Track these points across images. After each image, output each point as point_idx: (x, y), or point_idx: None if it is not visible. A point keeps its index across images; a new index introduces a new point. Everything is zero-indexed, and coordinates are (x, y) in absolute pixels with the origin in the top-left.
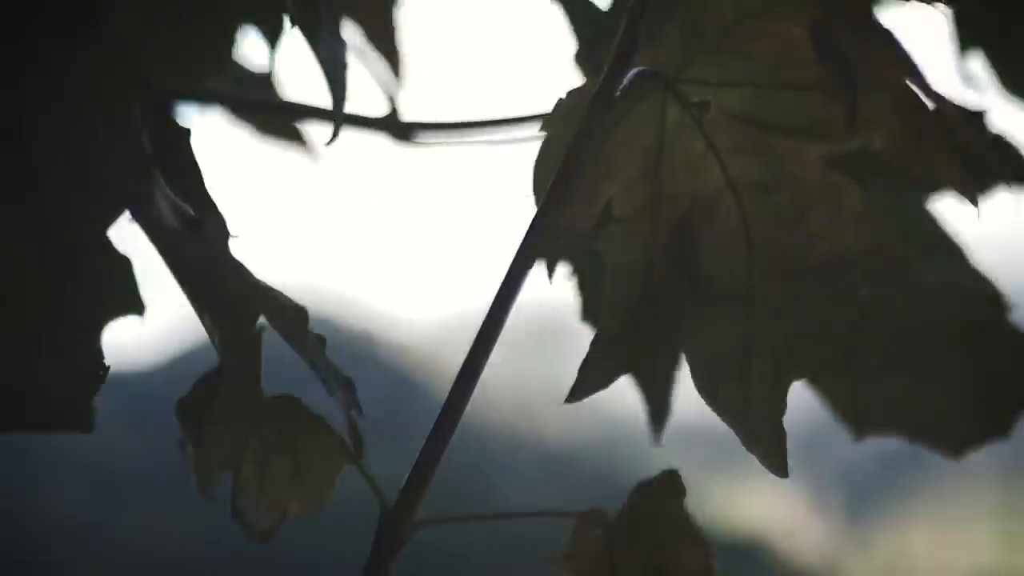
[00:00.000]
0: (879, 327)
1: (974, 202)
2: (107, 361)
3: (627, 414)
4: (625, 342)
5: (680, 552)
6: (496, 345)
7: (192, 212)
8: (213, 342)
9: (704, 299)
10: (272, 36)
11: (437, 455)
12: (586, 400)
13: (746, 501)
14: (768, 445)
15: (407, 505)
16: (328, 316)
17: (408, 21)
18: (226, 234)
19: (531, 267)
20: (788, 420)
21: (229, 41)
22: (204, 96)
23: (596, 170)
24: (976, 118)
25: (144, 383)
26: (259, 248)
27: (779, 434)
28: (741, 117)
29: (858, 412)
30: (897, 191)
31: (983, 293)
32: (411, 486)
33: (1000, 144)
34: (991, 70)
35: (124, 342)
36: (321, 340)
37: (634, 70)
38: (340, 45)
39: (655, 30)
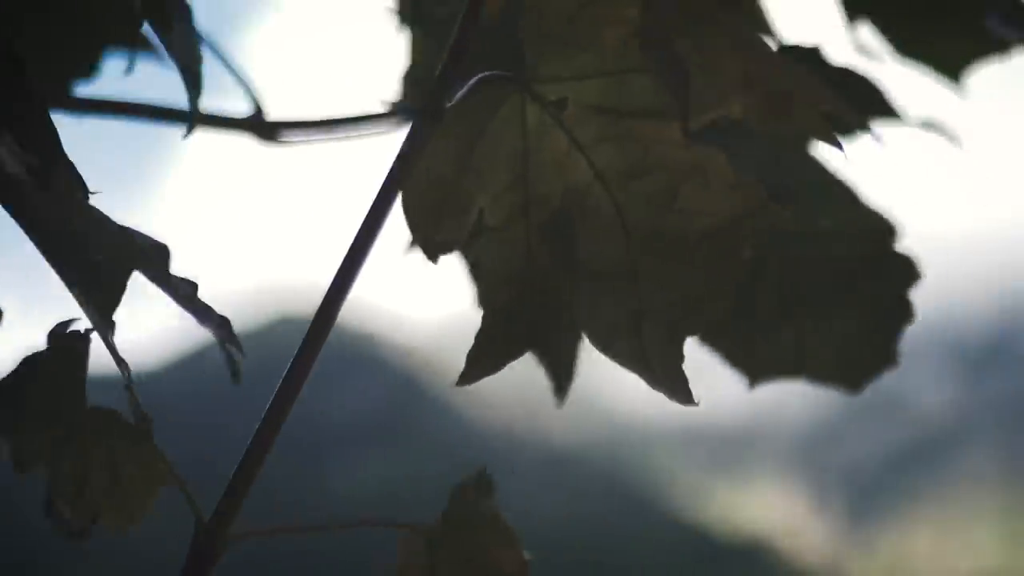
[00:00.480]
0: (774, 277)
1: (838, 146)
2: (109, 362)
3: (629, 414)
4: (506, 336)
5: (496, 554)
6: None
7: (37, 161)
8: (86, 311)
9: (588, 281)
10: (131, 36)
11: (255, 469)
12: (589, 400)
13: (749, 502)
14: (671, 384)
15: (223, 519)
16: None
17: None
18: (84, 191)
19: (357, 275)
20: (790, 421)
21: (95, 45)
22: (70, 102)
23: (466, 182)
24: (816, 57)
25: (145, 385)
26: (264, 249)
27: (679, 375)
28: (599, 108)
29: (755, 361)
30: (780, 140)
31: (874, 228)
32: (227, 500)
33: (849, 77)
34: (881, 36)
35: (125, 343)
36: (191, 284)
37: (478, 76)
38: (193, 39)
39: (504, 34)
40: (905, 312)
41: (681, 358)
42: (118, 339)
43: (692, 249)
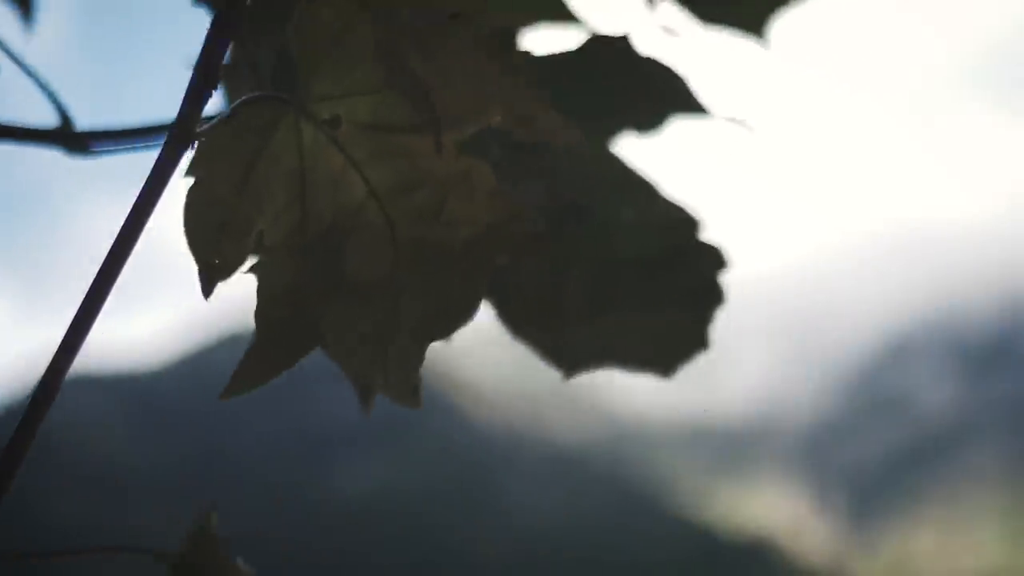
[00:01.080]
0: (582, 271)
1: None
2: (112, 362)
3: (632, 413)
4: (277, 351)
5: None
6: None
7: None
8: None
9: (348, 295)
10: None
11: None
12: (592, 399)
13: (753, 501)
14: (402, 390)
15: None
16: None
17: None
18: None
19: (103, 302)
20: (794, 421)
21: None
22: None
23: (245, 204)
24: (623, 47)
25: (148, 383)
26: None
27: (414, 380)
28: (371, 125)
29: (567, 354)
30: (588, 129)
31: (675, 220)
32: None
33: (655, 68)
34: (681, 7)
35: (128, 342)
36: None
37: (243, 97)
38: None
39: (275, 53)
40: (715, 297)
41: (420, 363)
42: (119, 338)
43: (454, 259)
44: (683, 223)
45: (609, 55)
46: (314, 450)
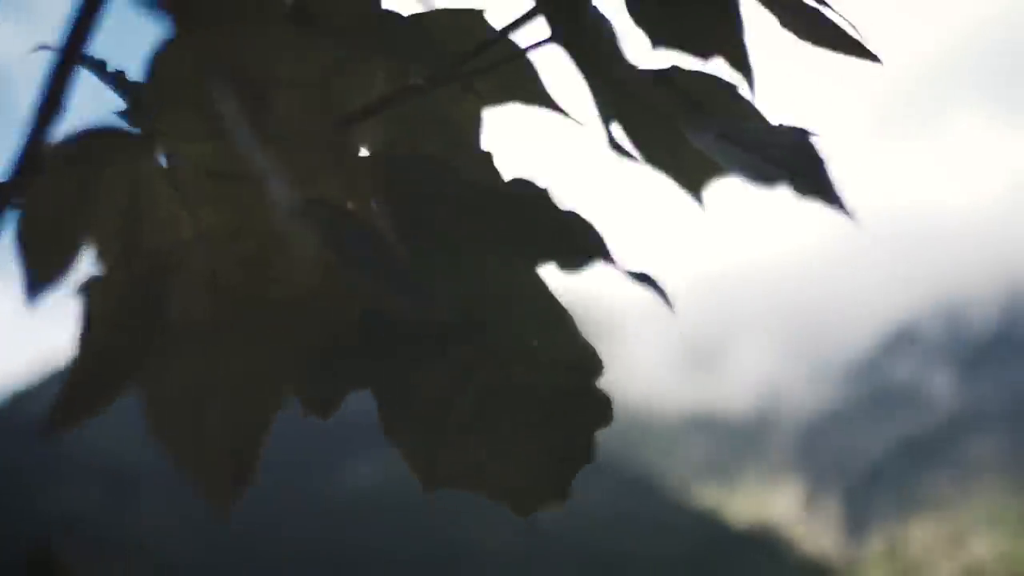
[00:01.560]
0: (475, 391)
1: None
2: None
3: (638, 408)
4: (99, 380)
5: None
6: None
7: None
8: None
9: (172, 337)
10: None
11: None
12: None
13: (755, 491)
14: (217, 471)
15: None
16: None
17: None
18: None
19: None
20: (797, 412)
21: None
22: None
23: (76, 228)
24: (544, 201)
25: None
26: None
27: (244, 461)
28: (210, 169)
29: (433, 469)
30: (507, 257)
31: (580, 361)
32: None
33: (574, 221)
34: (630, 140)
35: None
36: None
37: (83, 128)
38: None
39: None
40: (586, 454)
41: (257, 438)
42: None
43: (273, 323)
44: (585, 366)
45: (530, 206)
46: (331, 446)
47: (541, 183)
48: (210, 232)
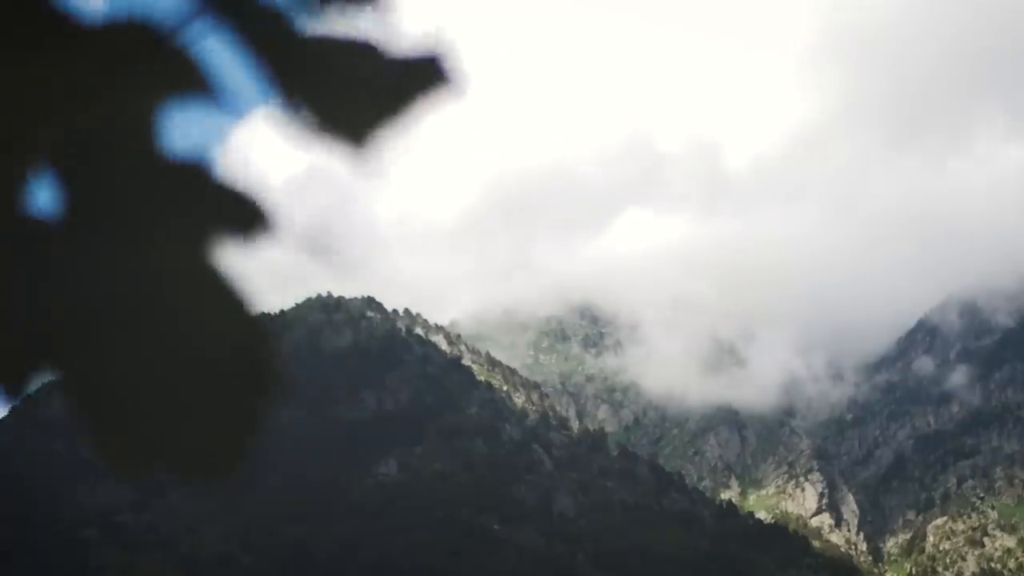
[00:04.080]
0: (156, 372)
1: None
2: None
3: (644, 405)
4: None
5: None
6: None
7: None
8: None
9: None
10: None
11: None
12: (626, 386)
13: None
14: None
15: None
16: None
17: None
18: None
19: None
20: (816, 407)
21: None
22: None
23: None
24: (202, 176)
25: None
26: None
27: None
28: None
29: (129, 453)
30: (172, 242)
31: (241, 333)
32: None
33: (237, 196)
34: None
35: None
36: None
37: None
38: None
39: None
40: (252, 423)
41: None
42: None
43: None
44: (250, 341)
45: (187, 178)
46: (362, 442)
47: (205, 158)
48: None
